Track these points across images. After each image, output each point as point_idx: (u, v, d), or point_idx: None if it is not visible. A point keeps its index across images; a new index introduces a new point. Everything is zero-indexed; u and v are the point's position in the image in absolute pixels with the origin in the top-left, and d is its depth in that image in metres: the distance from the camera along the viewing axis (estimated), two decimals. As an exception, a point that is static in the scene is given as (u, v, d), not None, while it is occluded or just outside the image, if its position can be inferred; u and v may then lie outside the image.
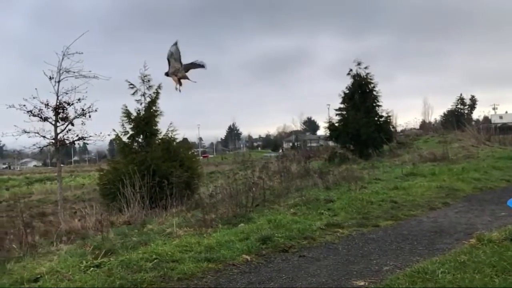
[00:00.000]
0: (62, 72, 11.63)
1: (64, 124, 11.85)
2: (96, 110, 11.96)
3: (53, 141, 11.89)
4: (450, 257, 4.45)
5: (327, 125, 22.76)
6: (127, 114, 12.38)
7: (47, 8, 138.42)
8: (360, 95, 21.73)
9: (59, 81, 11.69)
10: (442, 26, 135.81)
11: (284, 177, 12.38)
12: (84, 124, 11.99)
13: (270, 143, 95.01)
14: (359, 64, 22.02)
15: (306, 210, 7.51)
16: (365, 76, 21.96)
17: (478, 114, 75.37)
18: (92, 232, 7.02)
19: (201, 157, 56.86)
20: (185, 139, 17.44)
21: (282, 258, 5.05)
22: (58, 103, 11.69)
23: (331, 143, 27.00)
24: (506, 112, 67.58)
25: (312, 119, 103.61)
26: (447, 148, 16.75)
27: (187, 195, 10.16)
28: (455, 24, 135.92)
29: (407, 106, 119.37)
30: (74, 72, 11.57)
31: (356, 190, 9.16)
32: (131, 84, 12.39)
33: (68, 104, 11.74)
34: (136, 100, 12.42)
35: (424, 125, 53.21)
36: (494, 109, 70.26)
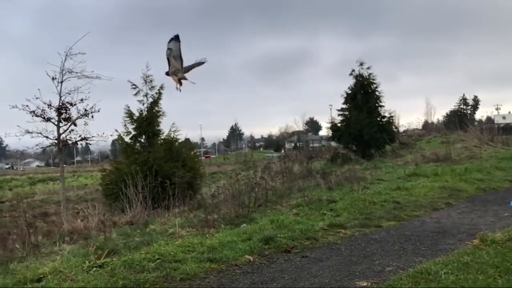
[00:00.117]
0: (65, 73, 11.70)
1: (67, 124, 11.92)
2: (98, 111, 12.03)
3: (56, 141, 11.94)
4: (453, 257, 4.44)
5: (329, 125, 22.79)
6: (130, 114, 12.40)
7: (50, 8, 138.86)
8: (363, 96, 21.71)
9: (62, 82, 11.76)
10: (445, 26, 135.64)
11: (286, 177, 12.37)
12: (87, 124, 12.06)
13: (272, 143, 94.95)
14: (361, 64, 22.02)
15: (309, 210, 7.50)
16: (367, 77, 21.94)
17: (481, 114, 75.39)
18: (94, 232, 7.03)
19: (203, 158, 56.91)
20: (187, 140, 17.46)
21: (285, 259, 5.04)
22: (61, 104, 11.74)
23: (333, 144, 26.98)
24: (509, 112, 67.47)
25: (314, 119, 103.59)
26: (449, 149, 16.71)
27: (190, 195, 10.17)
28: (458, 24, 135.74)
29: (409, 107, 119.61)
30: (76, 73, 11.65)
31: (359, 191, 9.15)
32: (134, 85, 12.43)
33: (71, 104, 11.81)
34: (139, 101, 12.47)
35: (427, 125, 53.17)
36: (497, 109, 70.14)
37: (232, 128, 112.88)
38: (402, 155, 19.22)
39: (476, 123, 50.43)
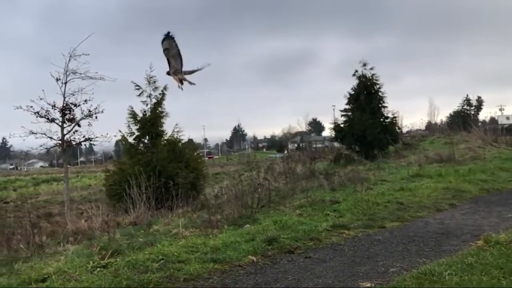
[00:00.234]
0: (69, 74, 11.71)
1: (70, 125, 11.94)
2: (102, 111, 12.04)
3: (60, 142, 11.96)
4: (457, 259, 4.43)
5: (332, 126, 22.72)
6: (133, 115, 12.43)
7: (51, 9, 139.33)
8: (366, 96, 21.67)
9: (65, 83, 11.77)
10: (448, 27, 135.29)
11: (289, 178, 12.38)
12: (91, 125, 12.07)
13: (275, 144, 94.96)
14: (364, 65, 21.98)
15: (312, 211, 7.50)
16: (370, 77, 21.90)
17: (484, 115, 74.96)
18: (98, 232, 7.05)
19: (207, 158, 56.97)
20: (190, 140, 17.48)
21: (288, 259, 5.04)
22: (65, 104, 11.77)
23: (336, 144, 26.94)
24: (513, 112, 67.07)
25: (317, 120, 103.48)
26: (453, 149, 16.65)
27: (193, 196, 10.18)
28: (461, 24, 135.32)
29: (413, 107, 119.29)
30: (80, 74, 11.65)
31: (362, 191, 9.14)
32: (137, 86, 12.45)
33: (75, 105, 11.83)
34: (142, 101, 12.49)
35: (430, 126, 53.04)
36: (500, 110, 69.76)
37: (235, 128, 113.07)
38: (405, 156, 19.17)
39: (479, 123, 50.22)
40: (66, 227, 8.88)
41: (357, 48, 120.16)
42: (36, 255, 5.57)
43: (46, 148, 12.61)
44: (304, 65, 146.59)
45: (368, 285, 4.07)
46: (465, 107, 72.62)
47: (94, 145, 13.67)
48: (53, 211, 20.38)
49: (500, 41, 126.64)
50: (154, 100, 12.49)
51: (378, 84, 21.94)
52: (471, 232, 6.00)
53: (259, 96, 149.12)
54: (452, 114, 70.88)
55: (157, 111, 12.46)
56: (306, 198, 8.51)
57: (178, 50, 7.06)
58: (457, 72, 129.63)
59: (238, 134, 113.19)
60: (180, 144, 12.75)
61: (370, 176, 12.15)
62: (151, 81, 12.41)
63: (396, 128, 22.67)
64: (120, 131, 12.51)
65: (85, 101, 11.78)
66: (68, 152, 13.85)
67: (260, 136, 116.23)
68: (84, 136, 12.17)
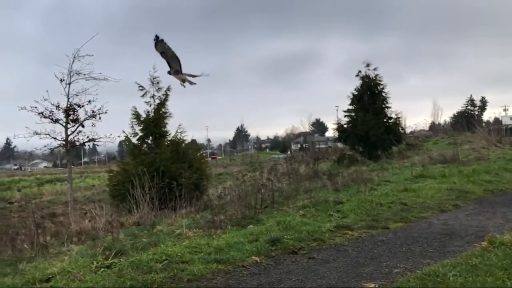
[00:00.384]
0: (73, 74, 11.79)
1: (74, 125, 12.00)
2: (106, 112, 12.11)
3: (63, 142, 12.02)
4: (461, 260, 4.42)
5: (335, 126, 22.74)
6: (137, 115, 12.48)
7: (56, 10, 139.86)
8: (369, 97, 21.65)
9: (69, 83, 11.85)
10: (452, 27, 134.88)
11: (292, 178, 12.37)
12: (94, 125, 12.13)
13: (278, 144, 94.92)
14: (368, 65, 21.96)
15: (315, 212, 7.49)
16: (374, 78, 21.88)
17: (488, 115, 74.53)
18: (102, 233, 7.07)
19: (210, 159, 57.00)
20: (193, 141, 17.54)
21: (292, 260, 5.04)
22: (68, 105, 11.84)
23: (339, 145, 26.92)
24: (517, 113, 66.68)
25: (321, 120, 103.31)
26: (457, 150, 16.59)
27: (196, 196, 10.19)
28: (465, 25, 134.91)
29: (416, 108, 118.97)
30: (84, 74, 11.73)
31: (366, 192, 9.12)
32: (141, 86, 12.50)
33: (79, 106, 11.90)
34: (146, 102, 12.53)
35: (434, 126, 52.91)
36: (504, 110, 69.36)
37: (238, 129, 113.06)
38: (409, 157, 19.13)
39: (483, 124, 50.03)
40: (70, 227, 8.91)
41: (361, 49, 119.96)
42: (40, 255, 5.59)
43: (50, 149, 12.69)
44: (307, 65, 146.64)
45: (372, 286, 4.06)
46: (469, 107, 72.27)
47: (97, 145, 13.75)
48: (57, 211, 20.48)
49: (504, 42, 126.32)
50: (157, 101, 12.55)
51: (381, 84, 21.94)
52: (476, 233, 5.98)
53: (262, 97, 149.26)
54: (456, 114, 70.54)
55: (161, 112, 12.49)
56: (310, 198, 8.50)
57: (173, 52, 7.08)
58: (461, 73, 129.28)
59: (241, 134, 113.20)
60: (183, 144, 12.78)
61: (374, 176, 12.12)
62: (154, 82, 12.47)
63: (400, 128, 22.64)
64: (123, 131, 12.59)
65: (89, 101, 11.87)
66: (72, 152, 13.91)
67: (263, 137, 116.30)
68: (87, 137, 12.25)
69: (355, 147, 22.00)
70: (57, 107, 11.75)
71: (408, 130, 34.33)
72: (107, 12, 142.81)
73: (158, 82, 12.47)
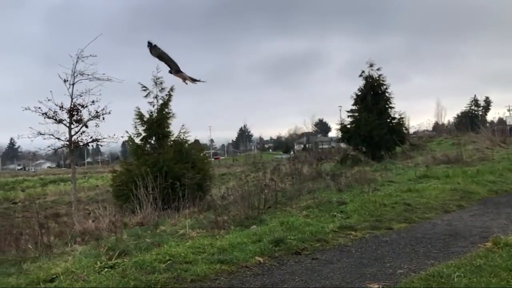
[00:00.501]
0: (77, 75, 11.81)
1: (78, 126, 12.04)
2: (109, 112, 12.13)
3: (67, 142, 12.06)
4: (465, 260, 4.41)
5: (339, 126, 22.66)
6: (140, 116, 12.50)
7: (59, 10, 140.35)
8: (373, 97, 21.60)
9: (73, 84, 11.88)
10: (456, 27, 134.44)
11: (295, 179, 12.36)
12: (98, 126, 12.16)
13: (281, 145, 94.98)
14: (371, 65, 21.91)
15: (319, 212, 7.48)
16: (377, 78, 21.82)
17: (492, 115, 74.38)
18: (105, 233, 7.08)
19: (213, 159, 57.07)
20: (196, 141, 17.54)
21: (295, 261, 5.03)
22: (72, 106, 11.87)
23: (343, 145, 26.87)
24: (522, 113, 66.36)
25: (324, 120, 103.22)
26: (461, 150, 16.54)
27: (199, 196, 10.20)
28: (468, 25, 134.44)
29: (420, 108, 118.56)
30: (88, 75, 11.75)
31: (369, 193, 9.10)
32: (144, 87, 12.53)
33: (82, 106, 11.93)
34: (149, 102, 12.57)
35: (437, 126, 52.77)
36: (509, 110, 69.01)
37: (241, 129, 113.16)
38: (412, 157, 19.07)
39: (487, 124, 49.80)
40: (74, 227, 8.94)
41: (364, 49, 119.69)
42: (44, 255, 5.61)
43: (54, 149, 12.72)
44: (310, 65, 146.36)
45: (376, 286, 4.05)
46: (472, 107, 72.12)
47: (101, 146, 13.77)
48: (60, 212, 20.53)
49: (509, 42, 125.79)
50: (160, 101, 12.58)
51: (385, 84, 21.88)
52: (480, 234, 5.96)
53: (265, 97, 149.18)
54: (459, 114, 70.45)
55: (164, 112, 12.52)
56: (313, 199, 8.49)
57: (168, 55, 7.13)
58: (465, 73, 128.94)
59: (244, 134, 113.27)
60: (186, 145, 12.80)
61: (377, 177, 12.10)
62: (157, 82, 12.50)
63: (403, 128, 22.57)
64: (127, 132, 12.61)
65: (93, 102, 11.90)
66: (75, 153, 13.95)
67: (266, 137, 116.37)
68: (91, 137, 12.28)
69: (358, 147, 21.95)
70: (61, 107, 11.79)
71: (411, 131, 34.25)
72: (110, 12, 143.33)
73: (161, 83, 12.51)
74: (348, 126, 22.06)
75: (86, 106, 11.92)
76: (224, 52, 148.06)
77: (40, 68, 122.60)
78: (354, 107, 22.26)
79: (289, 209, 7.86)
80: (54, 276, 4.44)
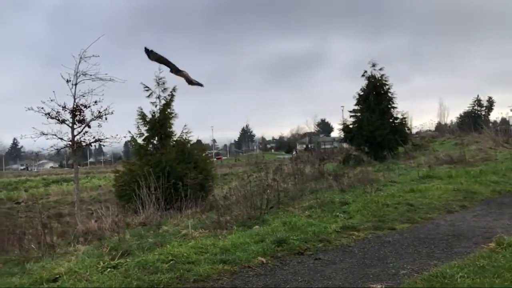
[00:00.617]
0: (79, 75, 11.86)
1: (81, 126, 12.08)
2: (112, 113, 12.17)
3: (70, 143, 12.09)
4: (469, 261, 4.40)
5: (341, 127, 22.62)
6: (142, 116, 12.51)
7: (61, 10, 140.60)
8: (375, 97, 21.55)
9: (76, 84, 11.92)
10: (458, 27, 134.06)
11: (298, 179, 12.36)
12: (101, 126, 12.20)
13: (284, 145, 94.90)
14: (373, 65, 21.85)
15: (321, 212, 7.48)
16: (379, 78, 21.77)
17: (495, 115, 73.96)
18: (108, 233, 7.09)
19: (215, 159, 57.08)
20: (199, 141, 17.53)
21: (298, 261, 5.03)
22: (75, 106, 11.91)
23: (345, 145, 26.85)
24: (525, 113, 66.07)
25: (326, 120, 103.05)
26: (464, 150, 16.49)
27: (202, 196, 10.20)
28: (471, 25, 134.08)
29: (422, 108, 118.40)
30: (90, 75, 11.80)
31: (372, 193, 9.09)
32: (146, 87, 12.53)
33: (85, 106, 11.98)
34: (151, 103, 12.56)
35: (440, 127, 52.61)
36: (512, 110, 68.87)
37: (243, 129, 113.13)
38: (415, 157, 19.03)
39: (490, 124, 49.61)
40: (77, 227, 8.95)
41: (366, 49, 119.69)
42: (47, 255, 5.62)
43: (57, 149, 12.78)
44: (312, 66, 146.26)
45: (379, 287, 4.04)
46: (475, 107, 71.81)
47: (103, 146, 13.85)
48: (63, 212, 20.60)
49: (511, 41, 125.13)
50: (163, 101, 12.57)
51: (387, 84, 21.83)
52: (483, 234, 5.94)
53: (267, 97, 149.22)
54: (462, 114, 70.10)
55: (166, 112, 12.52)
56: (315, 199, 8.48)
57: (166, 58, 7.19)
58: (468, 73, 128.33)
59: (246, 135, 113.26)
60: (189, 145, 12.80)
61: (380, 177, 12.08)
62: (160, 83, 12.49)
63: (406, 129, 22.52)
64: (129, 132, 12.63)
65: (95, 102, 11.95)
66: (78, 153, 13.98)
67: (268, 137, 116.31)
68: (94, 137, 12.33)
69: (361, 147, 21.92)
70: (64, 107, 11.84)
71: (414, 131, 34.19)
72: (112, 12, 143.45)
73: (163, 83, 12.51)
74: (351, 126, 22.02)
75: (89, 106, 11.98)
76: (226, 52, 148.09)
77: (43, 68, 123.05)
78: (356, 107, 22.22)
79: (291, 209, 7.86)
80: (57, 276, 4.45)
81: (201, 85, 7.20)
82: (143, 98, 12.56)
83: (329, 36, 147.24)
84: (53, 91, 11.68)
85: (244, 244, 5.47)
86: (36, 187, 37.99)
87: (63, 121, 11.91)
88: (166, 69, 12.12)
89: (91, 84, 11.85)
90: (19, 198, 28.92)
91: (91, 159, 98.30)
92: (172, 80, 12.44)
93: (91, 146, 13.50)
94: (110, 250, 5.33)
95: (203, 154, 13.87)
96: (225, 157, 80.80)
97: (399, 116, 21.87)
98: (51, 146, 12.47)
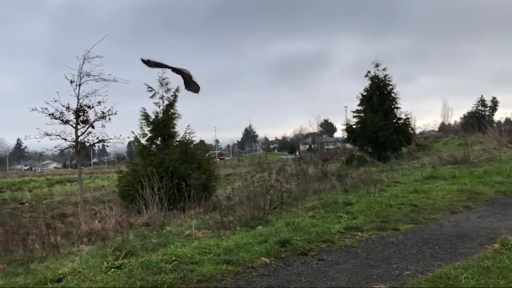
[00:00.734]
0: (83, 76, 11.89)
1: (84, 126, 12.12)
2: (115, 113, 12.20)
3: (73, 143, 12.13)
4: (473, 262, 4.38)
5: (344, 127, 22.56)
6: (146, 116, 12.54)
7: (65, 11, 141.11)
8: (378, 97, 21.49)
9: (79, 85, 11.96)
10: (462, 27, 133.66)
11: (301, 179, 12.34)
12: (104, 126, 12.23)
13: (287, 145, 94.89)
14: (377, 65, 21.77)
15: (325, 213, 7.46)
16: (383, 78, 21.70)
17: (499, 115, 73.73)
18: (112, 233, 7.10)
19: (218, 159, 57.10)
20: (202, 141, 17.57)
21: (301, 261, 5.02)
22: (79, 106, 11.95)
23: (348, 146, 26.76)
24: (529, 113, 65.83)
25: (329, 121, 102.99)
26: (468, 151, 16.42)
27: (205, 197, 10.22)
28: (475, 24, 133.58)
29: (426, 108, 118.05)
30: (94, 76, 11.83)
31: (375, 193, 9.06)
32: (150, 87, 12.55)
33: (89, 107, 12.01)
34: (155, 103, 12.59)
35: (444, 127, 52.45)
36: (516, 110, 68.53)
37: (246, 130, 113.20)
38: (418, 157, 18.96)
39: (494, 124, 49.38)
40: (80, 227, 8.98)
41: (370, 50, 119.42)
42: (51, 255, 5.64)
43: (60, 149, 12.82)
44: (316, 66, 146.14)
45: (382, 287, 4.03)
46: (479, 107, 71.53)
47: (107, 146, 13.85)
48: (67, 212, 20.63)
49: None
50: (166, 102, 12.60)
51: (391, 85, 21.74)
52: (487, 235, 5.91)
53: (270, 97, 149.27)
54: (466, 115, 69.89)
55: (169, 113, 12.55)
56: (319, 199, 8.47)
57: (163, 64, 7.22)
58: (472, 73, 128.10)
59: (249, 135, 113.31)
60: (192, 145, 12.82)
61: (383, 177, 12.05)
62: (163, 83, 12.52)
63: (409, 129, 22.41)
64: (133, 132, 12.66)
65: (99, 102, 11.98)
66: (81, 153, 14.03)
67: (271, 137, 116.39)
68: (97, 138, 12.37)
69: (364, 147, 21.85)
70: (67, 108, 11.88)
71: (417, 131, 33.95)
72: (115, 13, 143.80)
73: (167, 83, 12.53)
74: (354, 126, 21.96)
75: (93, 107, 12.01)
76: (230, 53, 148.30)
77: (46, 69, 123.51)
78: (360, 108, 22.16)
79: (294, 210, 7.85)
80: (62, 276, 4.47)
81: (196, 91, 7.16)
82: (146, 99, 12.61)
83: (332, 36, 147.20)
84: (57, 92, 11.75)
85: (248, 244, 5.47)
86: (40, 187, 38.09)
87: (66, 122, 11.96)
88: (168, 70, 12.23)
89: (95, 85, 11.90)
90: (23, 198, 29.00)
91: (95, 160, 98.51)
92: (175, 80, 12.49)
93: (95, 146, 13.53)
94: (114, 250, 5.34)
95: (206, 155, 13.88)
96: (228, 158, 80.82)
97: (403, 116, 21.80)
98: (55, 147, 12.52)
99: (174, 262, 4.76)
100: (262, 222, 6.82)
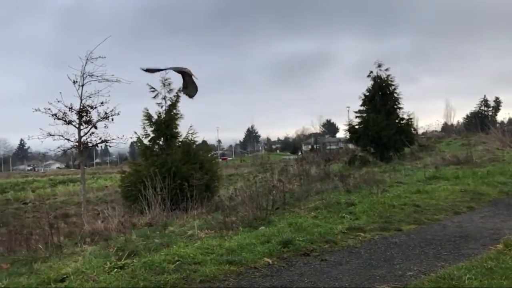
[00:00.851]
0: (86, 76, 11.93)
1: (87, 127, 12.14)
2: (118, 114, 12.23)
3: (76, 143, 12.16)
4: (476, 262, 4.37)
5: (347, 127, 22.53)
6: (148, 117, 12.57)
7: (68, 12, 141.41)
8: (381, 97, 21.45)
9: (82, 85, 11.99)
10: (465, 27, 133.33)
11: (303, 180, 12.33)
12: (107, 127, 12.26)
13: (289, 145, 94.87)
14: (379, 66, 21.73)
15: (327, 213, 7.46)
16: (385, 78, 21.66)
17: (502, 116, 73.49)
18: (114, 233, 7.11)
19: (221, 160, 57.15)
20: (204, 142, 17.56)
21: (304, 262, 5.02)
22: (81, 107, 11.98)
23: (351, 146, 26.72)
24: (532, 114, 65.56)
25: (332, 121, 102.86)
26: (470, 151, 16.37)
27: (207, 197, 10.22)
28: (478, 24, 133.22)
29: (428, 108, 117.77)
30: (97, 76, 11.86)
31: (378, 194, 9.05)
32: (152, 88, 12.57)
33: (91, 107, 12.04)
34: (157, 104, 12.61)
35: (446, 127, 52.29)
36: (519, 110, 68.28)
37: (248, 130, 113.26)
38: (421, 158, 18.92)
39: (497, 125, 49.22)
40: (83, 227, 9.00)
41: (372, 49, 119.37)
42: (54, 255, 5.65)
43: (63, 150, 12.86)
44: (318, 66, 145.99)
45: (385, 288, 4.03)
46: (482, 108, 71.32)
47: (110, 146, 13.94)
48: (69, 212, 20.71)
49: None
50: (169, 102, 12.62)
51: (393, 85, 21.70)
52: (491, 236, 5.90)
53: (272, 98, 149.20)
54: (469, 115, 69.65)
55: (172, 113, 12.57)
56: (321, 200, 8.46)
57: (162, 68, 7.25)
58: (475, 73, 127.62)
59: (251, 135, 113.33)
60: (194, 145, 12.84)
61: (386, 178, 12.03)
62: (166, 84, 12.54)
63: (412, 129, 22.37)
64: (135, 132, 12.69)
65: (102, 103, 12.00)
66: (84, 153, 14.06)
67: (273, 138, 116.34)
68: (100, 138, 12.39)
69: (366, 148, 21.81)
70: (70, 108, 11.91)
71: (420, 131, 33.95)
72: (116, 13, 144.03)
73: (169, 84, 12.55)
74: (356, 126, 21.94)
75: (95, 107, 12.04)
76: (232, 53, 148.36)
77: (49, 69, 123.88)
78: (362, 108, 22.12)
79: (297, 210, 7.84)
80: (65, 276, 4.47)
81: (191, 96, 7.16)
82: (149, 99, 12.63)
83: (334, 36, 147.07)
84: (60, 92, 11.80)
85: (250, 245, 5.47)
86: (43, 187, 38.23)
87: (69, 122, 11.99)
88: (170, 70, 12.24)
89: (98, 85, 11.93)
90: (26, 198, 29.12)
91: (97, 160, 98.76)
92: (178, 81, 12.46)
93: (98, 147, 13.62)
94: (117, 250, 5.34)
95: (209, 155, 13.89)
96: (231, 158, 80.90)
97: (405, 116, 21.75)
98: (58, 147, 12.57)
99: (177, 262, 4.76)
100: (264, 222, 6.82)
